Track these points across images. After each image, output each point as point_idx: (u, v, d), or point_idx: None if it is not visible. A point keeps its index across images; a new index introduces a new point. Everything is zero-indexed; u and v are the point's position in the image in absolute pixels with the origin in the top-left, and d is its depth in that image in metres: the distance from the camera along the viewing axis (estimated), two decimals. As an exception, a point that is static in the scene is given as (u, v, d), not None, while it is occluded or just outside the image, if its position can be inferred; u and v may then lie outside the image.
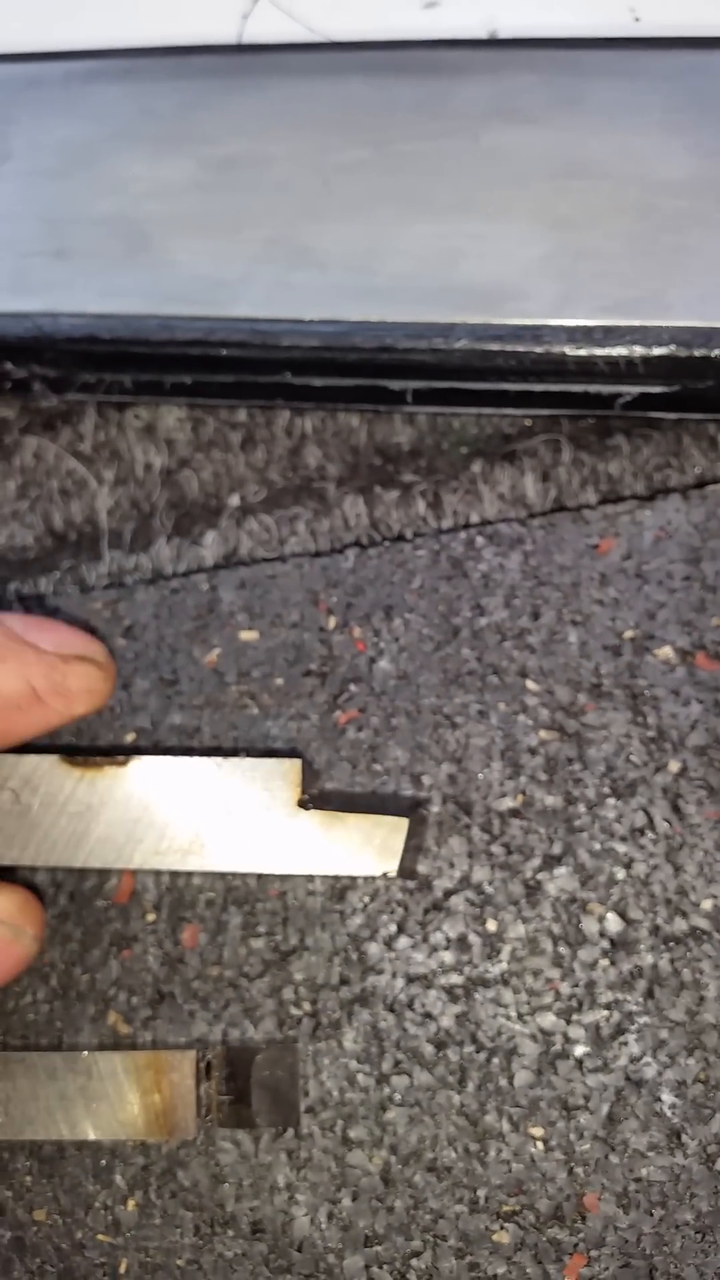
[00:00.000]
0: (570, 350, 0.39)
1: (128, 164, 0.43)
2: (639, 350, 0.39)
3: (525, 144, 0.42)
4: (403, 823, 0.36)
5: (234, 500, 0.44)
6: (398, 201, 0.42)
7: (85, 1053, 0.37)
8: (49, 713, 0.36)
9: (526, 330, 0.39)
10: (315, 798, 0.38)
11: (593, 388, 0.40)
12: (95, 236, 0.42)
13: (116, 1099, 0.36)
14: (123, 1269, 0.38)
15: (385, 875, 0.36)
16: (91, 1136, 0.36)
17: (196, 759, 0.37)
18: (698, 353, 0.38)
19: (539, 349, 0.39)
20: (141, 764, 0.37)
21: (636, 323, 0.39)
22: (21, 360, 0.43)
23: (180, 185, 0.43)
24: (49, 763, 0.37)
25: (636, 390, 0.40)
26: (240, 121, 0.44)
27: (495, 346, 0.39)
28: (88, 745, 0.40)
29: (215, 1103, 0.36)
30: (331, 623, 0.41)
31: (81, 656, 0.37)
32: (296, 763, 0.37)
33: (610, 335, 0.39)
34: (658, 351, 0.39)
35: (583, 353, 0.39)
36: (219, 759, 0.37)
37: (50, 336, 0.42)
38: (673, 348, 0.38)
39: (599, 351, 0.39)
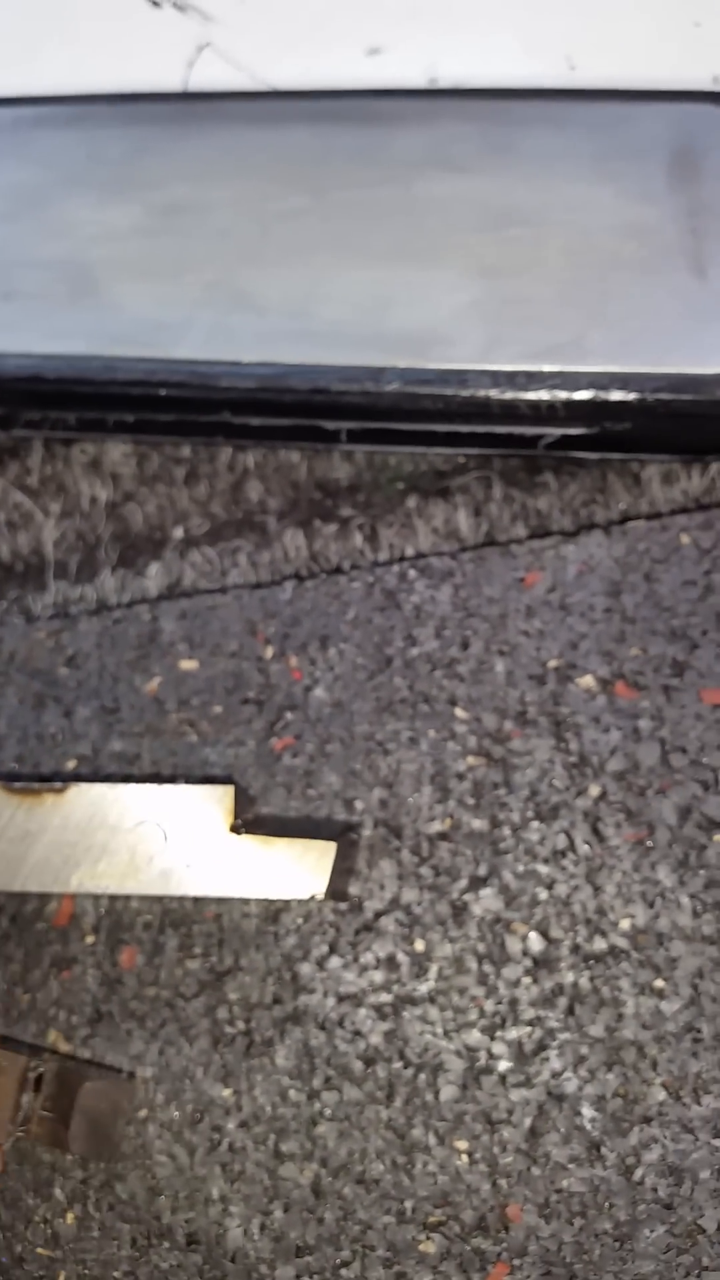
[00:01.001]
0: (494, 394, 0.41)
1: (75, 208, 0.45)
2: (560, 394, 0.41)
3: (457, 192, 0.44)
4: (331, 846, 0.38)
5: (178, 533, 0.46)
6: (334, 248, 0.43)
7: None
8: None
9: (453, 375, 0.41)
10: (250, 822, 0.40)
11: (517, 429, 0.42)
12: (42, 279, 0.44)
13: None
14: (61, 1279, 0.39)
15: (314, 897, 0.37)
16: None
17: (133, 786, 0.38)
18: (615, 397, 0.40)
19: (464, 393, 0.41)
20: (79, 790, 0.38)
21: (558, 368, 0.41)
22: None
23: (126, 230, 0.44)
24: (-10, 789, 0.38)
25: (559, 432, 0.42)
26: (185, 168, 0.45)
27: (423, 390, 0.41)
28: (29, 772, 0.42)
29: (35, 1116, 0.37)
30: (269, 652, 0.43)
31: None
32: (230, 789, 0.38)
33: (532, 380, 0.41)
34: (578, 396, 0.40)
35: (506, 396, 0.41)
36: (154, 785, 0.38)
37: None
38: (592, 392, 0.40)
39: (521, 395, 0.41)
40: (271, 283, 0.43)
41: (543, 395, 0.41)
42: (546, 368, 0.41)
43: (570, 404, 0.41)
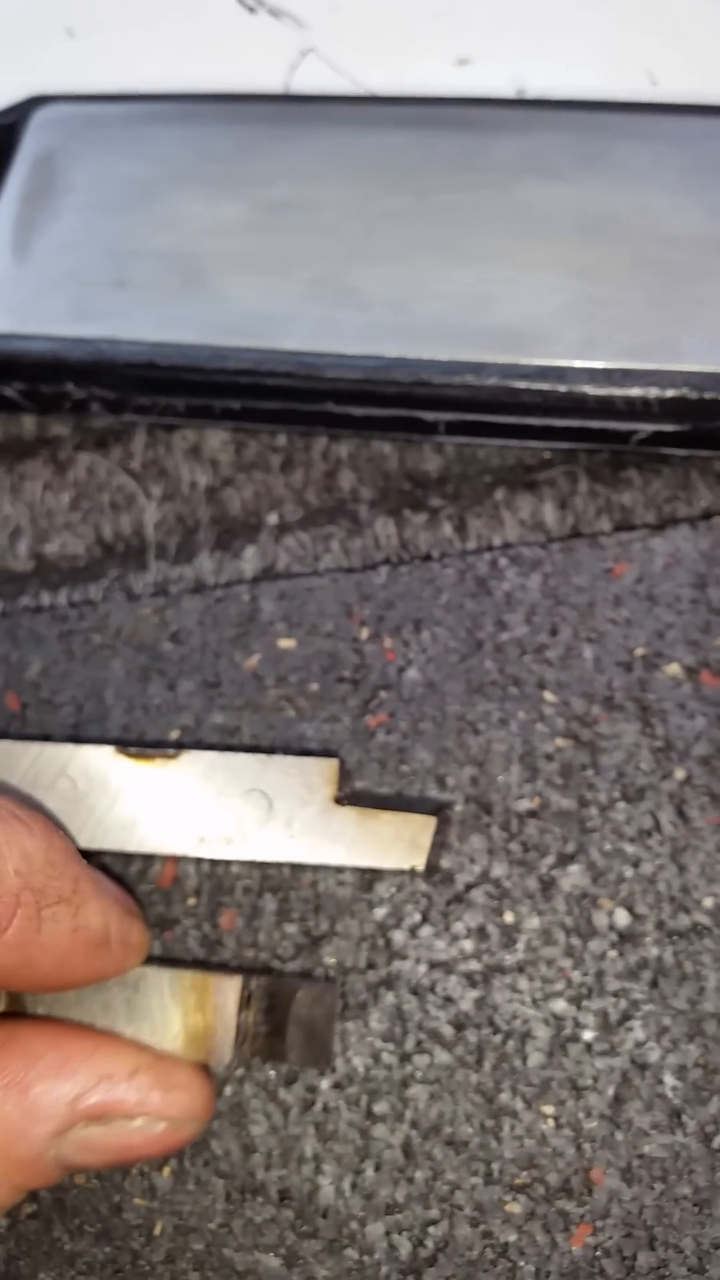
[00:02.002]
0: (591, 390, 0.42)
1: (185, 203, 0.47)
2: (654, 392, 0.42)
3: (553, 198, 0.46)
4: (431, 821, 0.39)
5: (272, 518, 0.47)
6: (436, 248, 0.45)
7: (150, 967, 0.38)
8: (109, 961, 0.36)
9: (551, 370, 0.43)
10: (348, 796, 0.41)
11: (610, 424, 0.44)
12: (154, 269, 0.46)
13: (160, 1015, 0.38)
14: (158, 1230, 0.40)
15: (414, 869, 0.39)
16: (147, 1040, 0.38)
17: (241, 755, 0.40)
18: (708, 395, 0.42)
19: (562, 388, 0.43)
20: (191, 757, 0.40)
21: (652, 366, 0.42)
22: (82, 382, 0.46)
23: (234, 225, 0.46)
24: (105, 753, 0.40)
25: (651, 428, 0.43)
26: (291, 167, 0.47)
27: (522, 384, 0.43)
28: (135, 739, 0.43)
29: (251, 1033, 0.38)
30: (364, 634, 0.44)
31: (133, 913, 0.38)
32: (334, 762, 0.40)
33: (628, 377, 0.42)
34: (671, 393, 0.42)
35: (602, 392, 0.42)
36: (262, 755, 0.40)
37: (110, 361, 0.45)
38: (685, 390, 0.42)
39: (617, 392, 0.42)
40: (375, 279, 0.45)
41: (638, 392, 0.42)
42: (642, 366, 0.42)
43: (664, 401, 0.42)
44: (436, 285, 0.45)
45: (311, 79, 0.54)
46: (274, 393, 0.45)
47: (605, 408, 0.43)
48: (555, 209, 0.46)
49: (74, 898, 0.35)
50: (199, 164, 0.48)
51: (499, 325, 0.44)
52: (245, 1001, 0.38)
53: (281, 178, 0.47)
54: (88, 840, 0.40)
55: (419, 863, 0.39)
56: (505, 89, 0.54)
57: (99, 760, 0.40)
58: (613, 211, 0.46)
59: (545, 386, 0.43)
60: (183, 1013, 0.38)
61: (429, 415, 0.45)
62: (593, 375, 0.43)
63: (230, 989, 0.38)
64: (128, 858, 0.42)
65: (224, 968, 0.41)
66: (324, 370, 0.44)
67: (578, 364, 0.43)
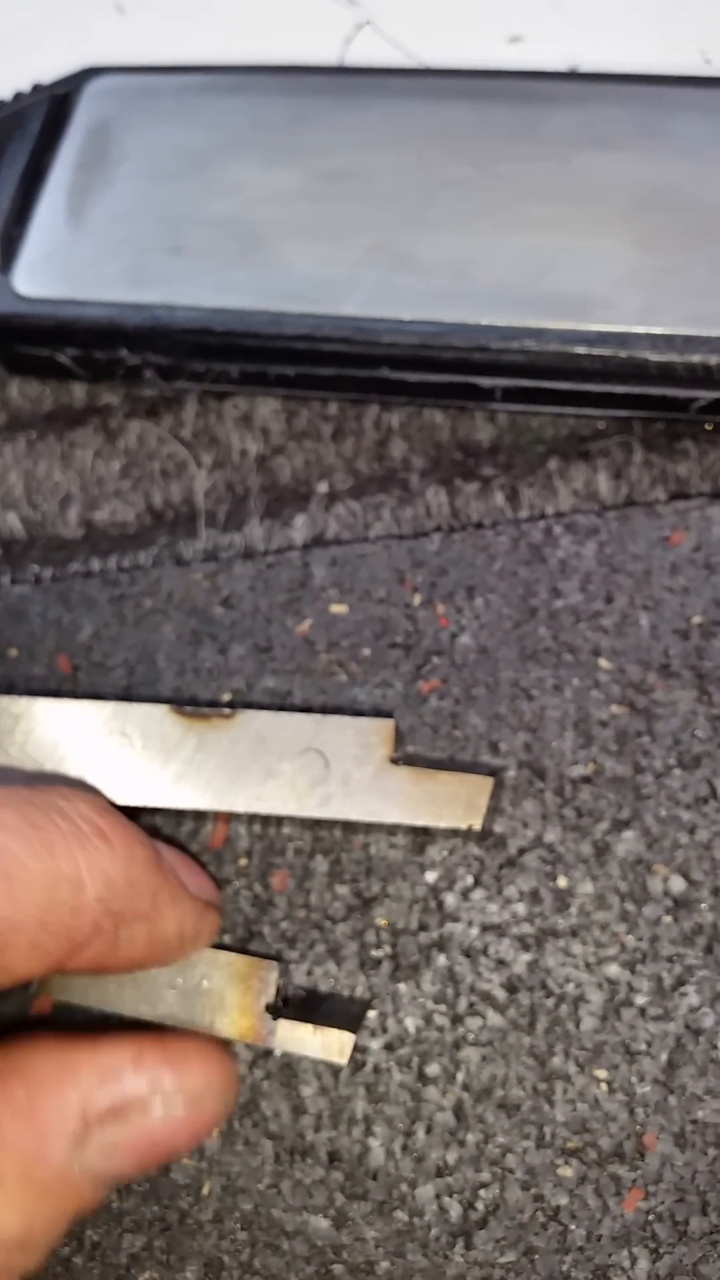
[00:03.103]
0: (652, 356, 0.42)
1: (241, 171, 0.47)
2: (715, 359, 0.42)
3: (612, 169, 0.46)
4: (488, 781, 0.39)
5: (323, 487, 0.47)
6: (494, 217, 0.45)
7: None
8: (176, 956, 0.37)
9: (612, 336, 0.43)
10: (402, 758, 0.41)
11: (670, 391, 0.44)
12: (210, 236, 0.46)
13: (215, 998, 0.39)
14: (206, 1190, 0.40)
15: (470, 828, 0.39)
16: (197, 1028, 0.38)
17: (297, 715, 0.40)
18: None
19: (624, 353, 0.43)
20: (246, 717, 0.40)
21: (714, 333, 0.42)
22: (137, 348, 0.46)
23: (290, 193, 0.46)
24: (160, 712, 0.40)
25: (711, 395, 0.43)
26: (346, 136, 0.47)
27: (582, 349, 0.43)
28: (188, 699, 0.43)
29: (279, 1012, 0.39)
30: (416, 600, 0.44)
31: (212, 903, 0.38)
32: (390, 723, 0.40)
33: (690, 344, 0.42)
34: None
35: (663, 358, 0.42)
36: (317, 716, 0.40)
37: (166, 327, 0.45)
38: None
39: (678, 358, 0.42)
40: (433, 247, 0.45)
41: (699, 358, 0.42)
42: (704, 332, 0.42)
43: None
44: (495, 252, 0.45)
45: (366, 52, 0.54)
46: (329, 359, 0.45)
47: (666, 374, 0.43)
48: (613, 179, 0.46)
49: (151, 912, 0.35)
50: (253, 134, 0.48)
51: (558, 291, 0.44)
52: (280, 991, 0.39)
53: (337, 147, 0.47)
54: (142, 797, 0.40)
55: (476, 822, 0.39)
56: (558, 64, 0.54)
57: (154, 719, 0.40)
58: (671, 182, 0.46)
59: (605, 352, 0.43)
60: (236, 994, 0.38)
61: (485, 381, 0.45)
62: (654, 341, 0.43)
63: (270, 974, 0.39)
64: (180, 817, 0.42)
65: (257, 953, 0.41)
66: (380, 335, 0.44)
67: (639, 330, 0.43)
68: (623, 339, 0.43)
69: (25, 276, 0.46)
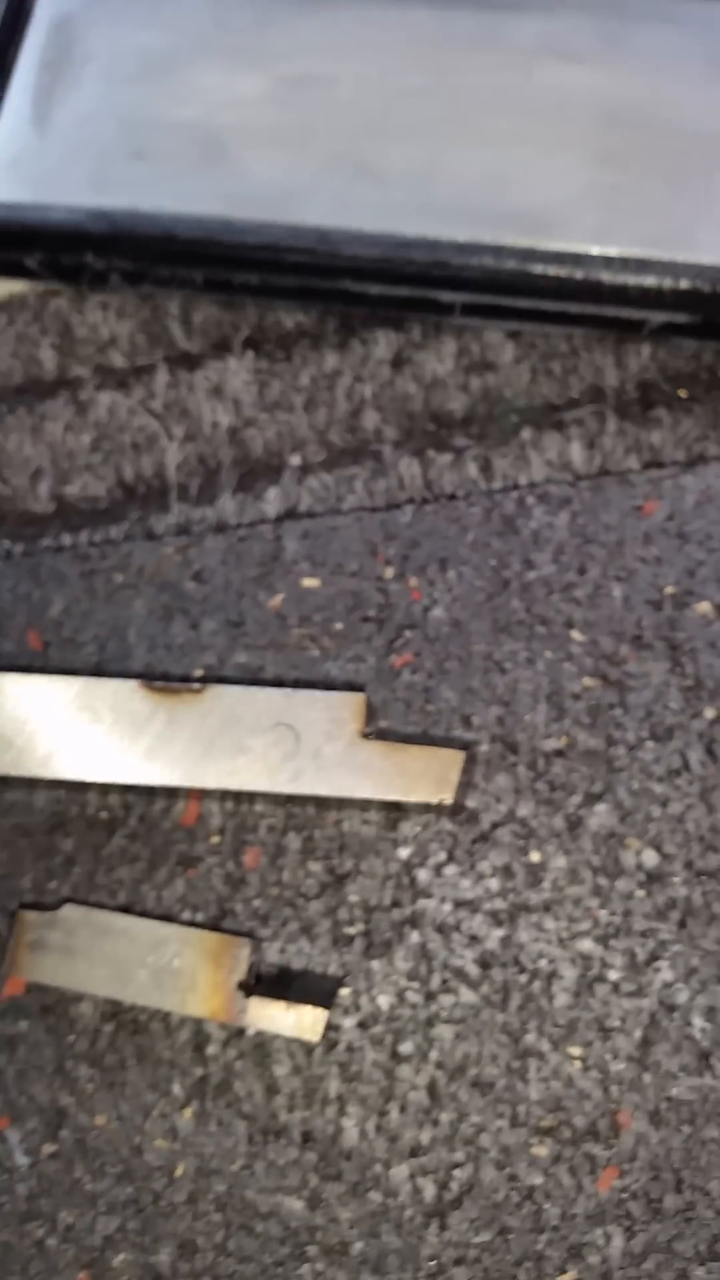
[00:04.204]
0: (606, 277, 0.43)
1: (204, 74, 0.47)
2: (668, 282, 0.43)
3: (573, 82, 0.46)
4: (459, 754, 0.39)
5: (295, 459, 0.47)
6: (454, 128, 0.45)
7: (173, 927, 0.39)
8: None
9: (568, 255, 0.43)
10: (374, 733, 0.41)
11: (623, 312, 0.44)
12: (173, 141, 0.46)
13: (188, 977, 0.39)
14: (179, 1172, 0.40)
15: (442, 801, 0.38)
16: (166, 1008, 0.39)
17: (268, 689, 0.39)
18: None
19: (579, 274, 0.43)
20: (216, 692, 0.39)
21: (667, 257, 0.43)
22: (102, 253, 0.46)
23: (254, 99, 0.46)
24: (129, 688, 0.40)
25: (663, 318, 0.44)
26: (310, 41, 0.47)
27: (539, 268, 0.43)
28: (159, 675, 0.43)
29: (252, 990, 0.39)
30: (389, 573, 0.44)
31: None
32: (361, 696, 0.39)
33: (643, 267, 0.43)
34: (684, 285, 0.43)
35: (617, 280, 0.43)
36: (288, 690, 0.39)
37: (129, 232, 0.45)
38: (698, 282, 0.43)
39: (632, 280, 0.43)
40: (394, 156, 0.45)
41: (652, 281, 0.43)
42: (657, 255, 0.43)
43: (677, 292, 0.43)
44: (455, 165, 0.45)
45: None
46: (292, 268, 0.45)
47: (619, 296, 0.43)
48: (575, 93, 0.46)
49: None
50: (217, 35, 0.48)
51: (517, 207, 0.44)
52: (253, 968, 0.39)
53: (301, 52, 0.47)
54: (111, 774, 0.39)
55: (447, 796, 0.39)
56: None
57: (124, 694, 0.40)
58: (633, 99, 0.46)
59: (561, 272, 0.43)
60: (208, 972, 0.38)
61: (446, 296, 0.45)
62: (608, 263, 0.43)
63: (242, 952, 0.39)
64: (151, 796, 0.42)
65: (229, 930, 0.40)
66: (342, 246, 0.44)
67: (594, 250, 0.43)
68: (578, 259, 0.43)
69: None
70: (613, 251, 0.43)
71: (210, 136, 0.45)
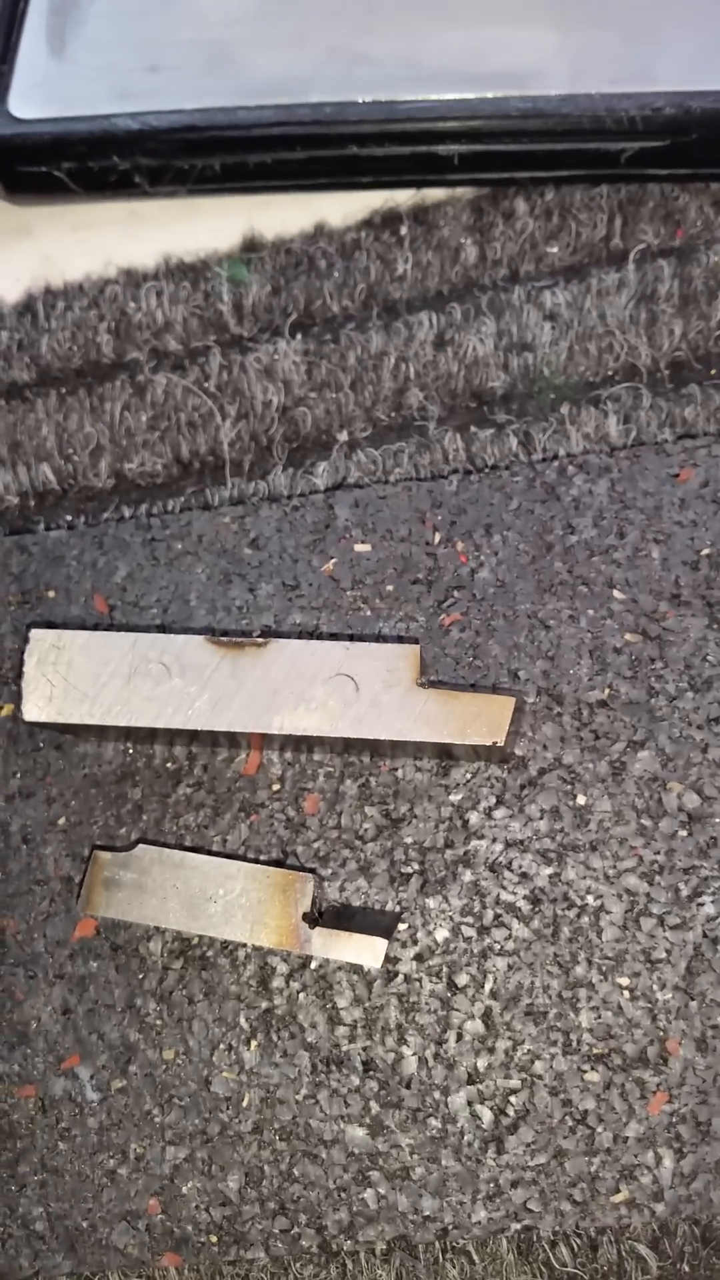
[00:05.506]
0: (583, 111, 0.48)
1: (201, 2, 0.52)
2: (637, 110, 0.48)
3: None
4: (510, 700, 0.41)
5: (343, 436, 0.49)
6: (432, 15, 0.50)
7: (241, 864, 0.42)
8: None
9: (547, 100, 0.48)
10: (427, 683, 0.43)
11: (602, 145, 0.49)
12: (183, 54, 0.51)
13: (256, 910, 0.41)
14: (245, 1102, 0.42)
15: (495, 743, 0.41)
16: (235, 939, 0.41)
17: (327, 642, 0.42)
18: (681, 109, 0.48)
19: (561, 111, 0.48)
20: (278, 645, 0.42)
21: (634, 89, 0.48)
22: (127, 153, 0.51)
23: (249, 16, 0.51)
24: (195, 642, 0.42)
25: (636, 145, 0.49)
26: None
27: (523, 111, 0.49)
28: (221, 632, 0.45)
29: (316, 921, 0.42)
30: (437, 538, 0.46)
31: None
32: (416, 648, 0.42)
33: (613, 99, 0.48)
34: (650, 110, 0.48)
35: (593, 113, 0.48)
36: (346, 643, 0.42)
37: (153, 129, 0.50)
38: (665, 106, 0.48)
39: (604, 112, 0.48)
40: (383, 44, 0.50)
41: (623, 110, 0.48)
42: (625, 89, 0.48)
43: (646, 117, 0.48)
44: (437, 43, 0.50)
45: None
46: (302, 141, 0.50)
47: (597, 128, 0.48)
48: None
49: None
50: None
51: (497, 68, 0.49)
52: (316, 902, 0.42)
53: None
54: (180, 721, 0.41)
55: (500, 739, 0.41)
56: None
57: (191, 648, 0.42)
58: None
59: (544, 112, 0.48)
60: (275, 905, 0.40)
61: (443, 149, 0.50)
62: (584, 99, 0.48)
63: (307, 885, 0.41)
64: (215, 747, 0.44)
65: (292, 868, 0.43)
66: (346, 114, 0.49)
67: (569, 92, 0.48)
68: (557, 99, 0.48)
69: (19, 102, 0.51)
70: (585, 90, 0.48)
71: (216, 47, 0.51)
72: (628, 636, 0.44)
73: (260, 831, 0.43)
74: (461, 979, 0.42)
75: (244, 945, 0.42)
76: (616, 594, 0.45)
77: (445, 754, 0.43)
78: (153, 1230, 0.41)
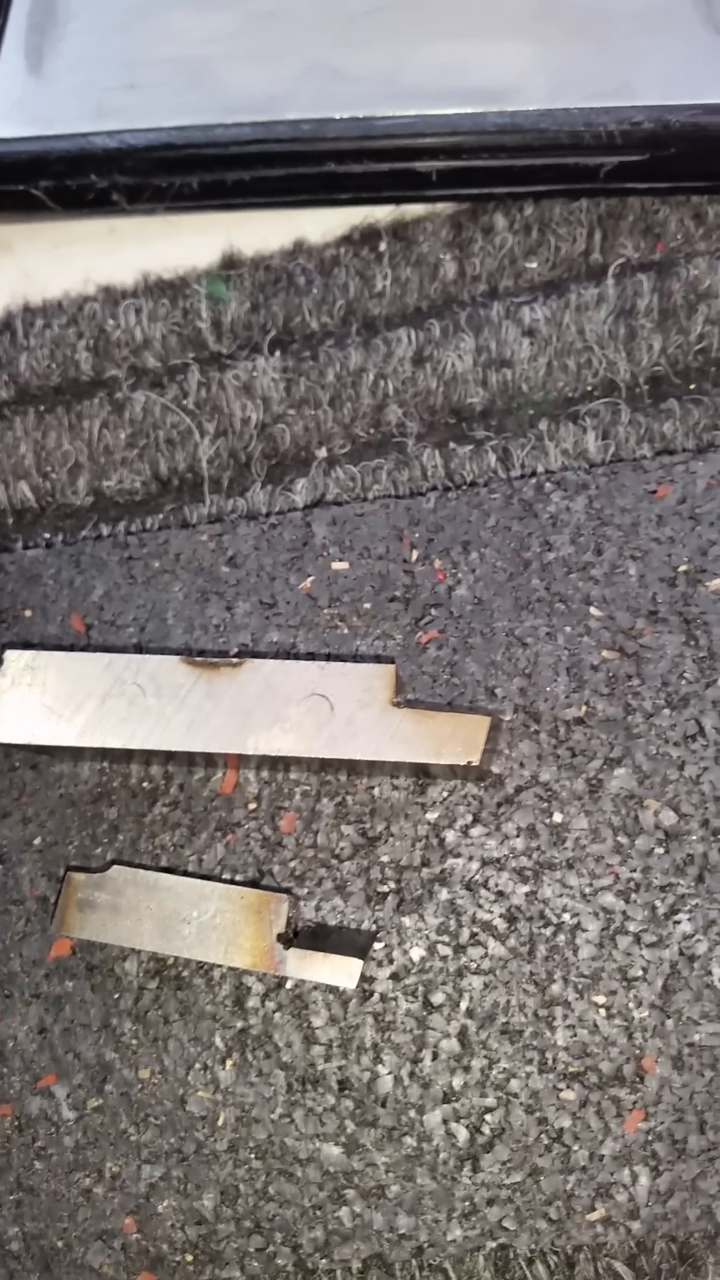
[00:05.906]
0: (562, 127, 0.48)
1: (180, 18, 0.52)
2: (616, 125, 0.48)
3: None
4: (485, 719, 0.41)
5: (322, 452, 0.49)
6: (413, 31, 0.51)
7: (216, 884, 0.42)
8: None
9: (526, 115, 0.48)
10: (403, 702, 0.43)
11: (582, 159, 0.49)
12: (161, 72, 0.51)
13: (230, 931, 0.41)
14: (221, 1121, 0.42)
15: (469, 763, 0.41)
16: (210, 960, 0.41)
17: (302, 662, 0.42)
18: (659, 123, 0.48)
19: (539, 127, 0.48)
20: (253, 665, 0.42)
21: (613, 104, 0.48)
22: (105, 171, 0.51)
23: (228, 32, 0.51)
24: (171, 663, 0.42)
25: (616, 160, 0.49)
26: None
27: (501, 126, 0.48)
28: (198, 653, 0.45)
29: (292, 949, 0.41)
30: (414, 555, 0.46)
31: None
32: (391, 667, 0.41)
33: (593, 114, 0.48)
34: (628, 125, 0.48)
35: (572, 128, 0.48)
36: (321, 662, 0.42)
37: (131, 147, 0.50)
38: (643, 121, 0.48)
39: (583, 127, 0.48)
40: (362, 60, 0.50)
41: (602, 126, 0.48)
42: (604, 104, 0.48)
43: (625, 132, 0.48)
44: (417, 60, 0.50)
45: None
46: (280, 159, 0.50)
47: (576, 143, 0.48)
48: None
49: None
50: None
51: (476, 84, 0.49)
52: (291, 922, 0.41)
53: None
54: (156, 741, 0.41)
55: (475, 758, 0.41)
56: None
57: (166, 668, 0.42)
58: None
59: (524, 126, 0.48)
60: (250, 926, 0.40)
61: (421, 165, 0.49)
62: (561, 116, 0.48)
63: (282, 905, 0.41)
64: (191, 766, 0.44)
65: (268, 887, 0.43)
66: (324, 131, 0.49)
67: (548, 107, 0.48)
68: (532, 117, 0.48)
69: None
70: (564, 105, 0.49)
71: (195, 65, 0.51)
72: (605, 653, 0.44)
73: (236, 850, 0.43)
74: (437, 997, 0.41)
75: (219, 965, 0.42)
76: (594, 611, 0.45)
77: (422, 772, 0.43)
78: (128, 1249, 0.41)
